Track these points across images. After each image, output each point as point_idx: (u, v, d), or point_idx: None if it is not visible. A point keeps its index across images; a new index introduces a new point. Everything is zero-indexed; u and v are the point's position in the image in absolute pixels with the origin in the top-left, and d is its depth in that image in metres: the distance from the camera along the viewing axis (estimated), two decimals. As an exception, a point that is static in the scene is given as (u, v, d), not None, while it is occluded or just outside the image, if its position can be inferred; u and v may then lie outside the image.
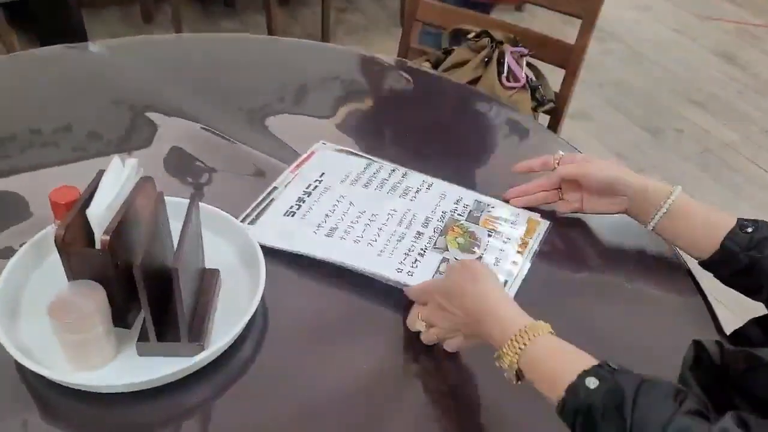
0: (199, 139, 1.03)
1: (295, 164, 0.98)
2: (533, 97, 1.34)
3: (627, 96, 2.88)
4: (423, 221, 0.90)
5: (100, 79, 1.14)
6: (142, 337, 0.69)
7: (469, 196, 0.95)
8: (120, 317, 0.71)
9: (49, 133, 1.02)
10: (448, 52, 1.39)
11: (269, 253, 0.82)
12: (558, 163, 0.92)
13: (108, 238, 0.65)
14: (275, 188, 0.94)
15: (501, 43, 1.33)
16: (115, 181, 0.68)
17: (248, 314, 0.72)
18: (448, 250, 0.86)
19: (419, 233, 0.88)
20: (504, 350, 0.64)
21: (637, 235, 0.91)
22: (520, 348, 0.63)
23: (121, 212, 0.67)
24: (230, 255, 0.82)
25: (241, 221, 0.86)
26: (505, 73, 1.29)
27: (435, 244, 0.87)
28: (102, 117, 1.06)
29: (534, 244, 0.89)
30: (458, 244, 0.88)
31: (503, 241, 0.89)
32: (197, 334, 0.70)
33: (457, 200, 0.94)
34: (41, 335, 0.69)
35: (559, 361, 0.62)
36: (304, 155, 1.00)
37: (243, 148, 1.01)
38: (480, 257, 0.86)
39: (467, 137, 1.13)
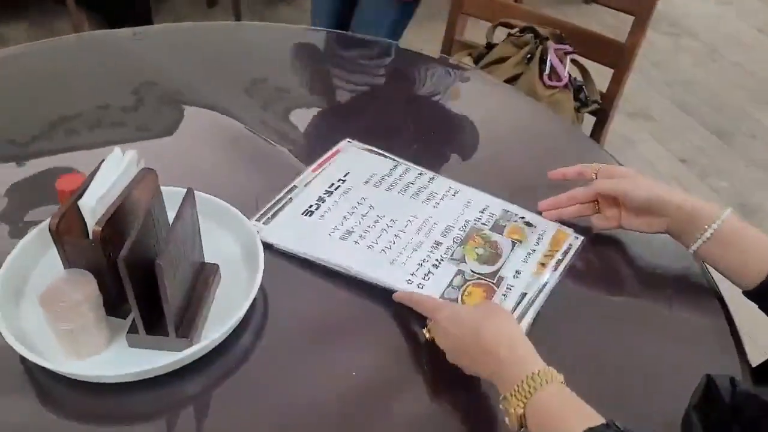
0: (222, 132, 1.02)
1: (317, 163, 0.96)
2: (576, 98, 1.28)
3: (696, 96, 2.73)
4: (443, 230, 0.87)
5: (130, 66, 1.16)
6: (132, 329, 0.69)
7: (497, 205, 0.91)
8: (114, 308, 0.71)
9: (77, 119, 1.04)
10: (491, 47, 1.35)
11: (276, 251, 0.81)
12: (596, 175, 0.86)
13: (100, 229, 0.65)
14: (294, 187, 0.91)
15: (545, 39, 1.28)
16: (113, 171, 0.68)
17: (240, 312, 0.71)
18: (465, 262, 0.82)
19: (437, 243, 0.85)
20: (510, 395, 0.60)
21: (680, 257, 0.85)
22: (527, 395, 0.59)
23: (116, 204, 0.67)
24: (234, 250, 0.81)
25: (257, 220, 0.85)
26: (547, 71, 1.24)
27: (452, 254, 0.83)
28: (130, 104, 1.07)
29: (563, 258, 0.84)
30: (477, 255, 0.83)
31: (527, 253, 0.84)
32: (187, 329, 0.70)
33: (483, 209, 0.90)
34: (40, 322, 0.69)
35: (566, 416, 0.58)
36: (328, 153, 0.98)
37: (265, 143, 1.00)
38: (499, 268, 0.82)
39: (499, 141, 1.08)
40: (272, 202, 0.88)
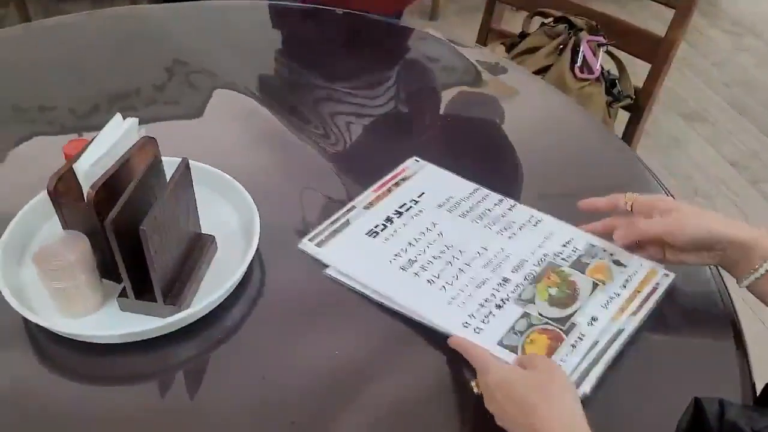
0: (263, 130, 1.01)
1: (381, 182, 0.90)
2: (608, 92, 1.24)
3: (756, 99, 2.61)
4: (515, 265, 0.78)
5: (160, 43, 1.18)
6: (123, 294, 0.71)
7: (582, 239, 0.81)
8: (111, 271, 0.73)
9: (103, 95, 1.07)
10: (524, 36, 1.32)
11: (276, 227, 0.81)
12: (631, 207, 0.76)
13: (93, 192, 0.66)
14: (353, 208, 0.86)
15: (580, 30, 1.24)
16: (111, 137, 0.69)
17: (229, 283, 0.72)
18: (533, 303, 0.73)
19: (505, 279, 0.76)
20: None
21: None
22: None
23: (112, 169, 0.69)
24: (234, 223, 0.82)
25: (309, 240, 0.81)
26: (578, 63, 1.20)
27: (521, 294, 0.74)
28: (160, 81, 1.10)
29: (647, 300, 0.74)
30: (549, 295, 0.74)
31: (609, 297, 0.74)
32: (175, 297, 0.71)
33: (566, 242, 0.81)
34: (39, 282, 0.72)
35: None
36: (393, 173, 0.91)
37: (313, 153, 0.96)
38: (573, 313, 0.72)
39: (523, 144, 1.03)
40: (327, 223, 0.83)
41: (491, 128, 1.06)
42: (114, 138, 0.69)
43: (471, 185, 0.90)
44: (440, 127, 1.07)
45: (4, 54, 1.16)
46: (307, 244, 0.81)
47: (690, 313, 0.77)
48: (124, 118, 0.72)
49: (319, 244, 0.81)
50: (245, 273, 0.77)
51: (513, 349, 0.69)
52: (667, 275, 0.77)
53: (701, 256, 0.73)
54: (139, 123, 0.72)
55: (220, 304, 0.74)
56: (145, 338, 0.70)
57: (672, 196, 0.92)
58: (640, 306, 0.74)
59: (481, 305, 0.73)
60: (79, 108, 1.05)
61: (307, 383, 0.69)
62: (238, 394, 0.68)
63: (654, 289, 0.76)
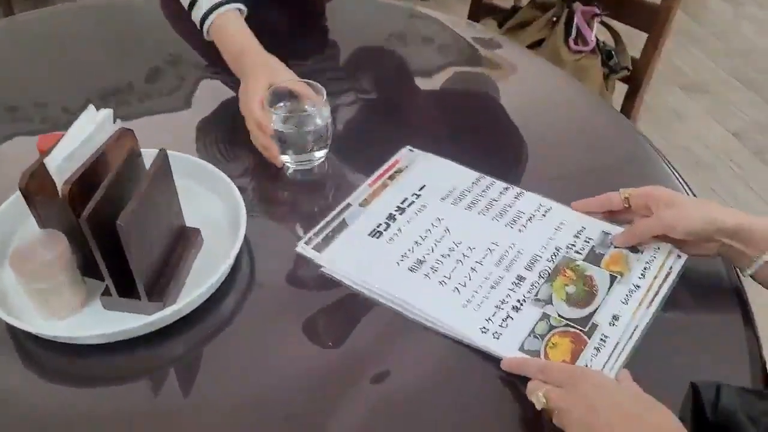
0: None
1: (376, 175, 0.85)
2: (605, 64, 1.20)
3: (758, 69, 2.57)
4: (529, 261, 0.74)
5: (146, 34, 1.15)
6: (107, 292, 0.69)
7: (595, 227, 0.77)
8: (92, 269, 0.70)
9: (91, 90, 1.04)
10: (516, 10, 1.28)
11: (266, 223, 0.79)
12: (628, 201, 0.75)
13: (68, 188, 0.64)
14: (348, 205, 0.82)
15: (573, 1, 1.20)
16: (84, 130, 0.66)
17: (214, 278, 0.69)
18: (551, 303, 0.70)
19: (520, 278, 0.72)
20: None
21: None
22: None
23: (87, 163, 0.66)
24: (221, 215, 0.80)
25: (305, 243, 0.77)
26: (573, 35, 1.16)
27: (537, 293, 0.71)
28: (150, 74, 1.06)
29: (660, 288, 0.71)
30: (566, 294, 0.70)
31: (629, 290, 0.71)
32: (160, 293, 0.69)
33: (579, 232, 0.77)
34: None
35: None
36: (387, 165, 0.87)
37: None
38: (593, 312, 0.69)
39: (513, 124, 0.99)
40: (322, 223, 0.79)
41: (486, 109, 1.03)
42: (87, 131, 0.66)
43: (473, 174, 0.86)
44: (432, 111, 1.03)
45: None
46: (305, 248, 0.76)
47: (699, 294, 0.74)
48: (97, 109, 0.69)
49: (317, 248, 0.76)
50: (235, 267, 0.74)
51: (535, 354, 0.66)
52: (679, 257, 0.74)
53: (703, 248, 0.72)
54: (128, 118, 0.69)
55: (209, 299, 0.71)
56: (130, 337, 0.68)
57: (674, 169, 0.89)
58: (656, 293, 0.71)
59: (498, 307, 0.70)
60: (71, 104, 1.01)
61: (300, 377, 0.67)
62: (228, 390, 0.66)
63: (668, 274, 0.72)
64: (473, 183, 0.85)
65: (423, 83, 1.07)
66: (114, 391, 0.67)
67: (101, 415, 0.64)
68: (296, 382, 0.67)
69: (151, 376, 0.68)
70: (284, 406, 0.65)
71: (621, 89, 1.34)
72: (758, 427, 0.52)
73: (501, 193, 0.83)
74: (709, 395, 0.55)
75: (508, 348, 0.66)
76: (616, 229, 0.77)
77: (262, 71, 0.89)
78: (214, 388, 0.66)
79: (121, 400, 0.66)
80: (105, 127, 0.69)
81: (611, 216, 0.78)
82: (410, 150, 0.90)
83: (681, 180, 0.88)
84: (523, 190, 0.83)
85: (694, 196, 0.84)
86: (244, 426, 0.63)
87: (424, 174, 0.86)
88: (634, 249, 0.75)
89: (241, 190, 0.79)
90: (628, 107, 1.32)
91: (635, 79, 1.29)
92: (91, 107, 0.69)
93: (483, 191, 0.83)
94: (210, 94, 1.03)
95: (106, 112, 0.69)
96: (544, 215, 0.80)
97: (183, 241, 0.74)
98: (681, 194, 0.73)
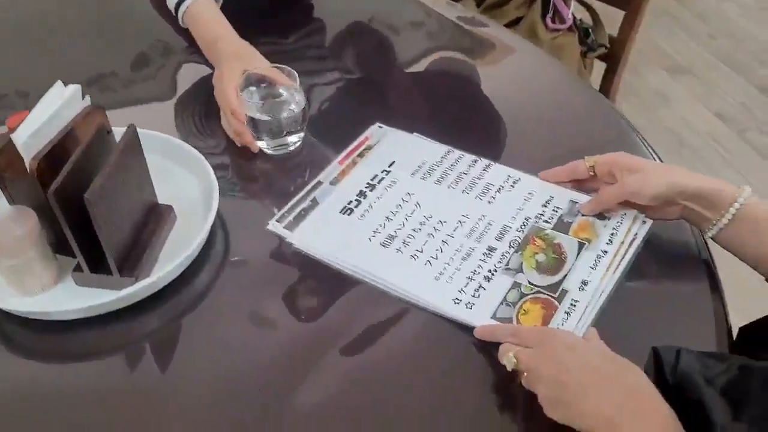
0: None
1: (345, 153, 0.86)
2: (582, 42, 1.21)
3: (743, 50, 2.58)
4: (499, 232, 0.75)
5: (131, 20, 1.14)
6: (78, 268, 0.69)
7: (563, 197, 0.78)
8: (65, 246, 0.70)
9: (77, 74, 1.03)
10: (493, -10, 1.28)
11: (239, 201, 0.79)
12: (593, 170, 0.76)
13: (36, 163, 0.64)
14: (319, 183, 0.82)
15: (550, -21, 1.20)
16: (51, 106, 0.66)
17: (185, 253, 0.70)
18: (522, 272, 0.71)
19: (491, 249, 0.74)
20: None
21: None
22: None
23: (55, 139, 0.66)
24: (194, 192, 0.80)
25: (277, 221, 0.77)
26: (550, 13, 1.17)
27: (508, 263, 0.72)
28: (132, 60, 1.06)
29: (626, 253, 0.72)
30: (536, 263, 0.72)
31: (597, 256, 0.72)
32: (131, 269, 0.69)
33: (547, 201, 0.78)
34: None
35: None
36: (356, 143, 0.88)
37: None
38: (562, 279, 0.70)
39: (489, 101, 0.99)
40: (293, 202, 0.79)
41: (465, 88, 1.03)
42: (55, 106, 0.66)
43: (442, 147, 0.87)
44: (412, 90, 1.03)
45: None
46: (275, 226, 0.77)
47: (665, 259, 0.75)
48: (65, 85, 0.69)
49: (288, 227, 0.77)
50: (209, 244, 0.75)
51: (507, 321, 0.67)
52: (644, 222, 0.75)
53: (666, 212, 0.73)
54: (113, 105, 0.69)
55: (183, 275, 0.72)
56: (103, 312, 0.68)
57: (652, 148, 0.90)
58: (622, 258, 0.72)
59: (470, 278, 0.71)
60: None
61: (273, 350, 0.68)
62: (202, 364, 0.66)
63: (633, 239, 0.74)
64: (442, 157, 0.85)
65: (403, 62, 1.07)
66: (88, 367, 0.67)
67: (75, 392, 0.65)
68: (269, 355, 0.67)
69: (126, 352, 0.68)
70: (258, 379, 0.65)
71: (599, 69, 1.35)
72: (714, 387, 0.53)
73: (470, 165, 0.84)
74: (670, 359, 0.55)
75: (481, 317, 0.67)
76: (583, 198, 0.78)
77: (236, 59, 0.89)
78: (189, 362, 0.67)
79: (95, 376, 0.66)
80: (73, 103, 0.68)
81: (578, 185, 0.80)
82: (379, 126, 0.91)
83: (657, 157, 0.89)
84: (492, 162, 0.84)
85: (661, 161, 0.85)
86: (218, 398, 0.64)
87: (394, 150, 0.87)
88: (600, 216, 0.76)
89: (217, 168, 0.79)
90: (607, 87, 1.33)
91: (613, 57, 1.29)
92: (59, 83, 0.69)
93: (452, 165, 0.84)
94: (192, 76, 1.02)
95: (74, 88, 0.69)
96: (512, 186, 0.81)
97: (155, 218, 0.74)
98: (645, 160, 0.74)
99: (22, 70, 1.05)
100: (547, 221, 0.77)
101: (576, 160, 0.78)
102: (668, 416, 0.52)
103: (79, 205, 0.63)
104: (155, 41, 1.09)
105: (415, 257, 0.73)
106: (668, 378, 0.55)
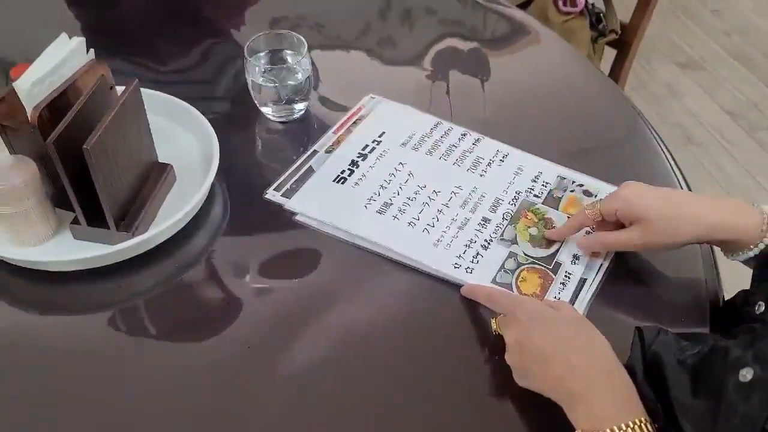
0: (220, 68, 0.97)
1: (339, 123, 0.86)
2: (593, 27, 1.20)
3: (757, 47, 2.55)
4: (492, 203, 0.76)
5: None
6: (75, 221, 0.69)
7: (551, 171, 0.80)
8: (64, 200, 0.70)
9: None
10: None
11: (239, 170, 0.79)
12: (600, 212, 0.69)
13: (38, 113, 0.64)
14: (315, 152, 0.82)
15: (564, -39, 1.19)
16: (55, 57, 0.66)
17: (182, 212, 0.70)
18: (516, 243, 0.72)
19: (485, 219, 0.75)
20: None
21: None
22: None
23: (58, 90, 0.66)
24: (195, 152, 0.80)
25: (275, 190, 0.77)
26: (562, -4, 1.16)
27: (502, 234, 0.73)
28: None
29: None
30: (530, 235, 0.73)
31: (587, 231, 0.72)
32: (129, 224, 0.69)
33: (536, 176, 0.79)
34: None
35: None
36: (350, 113, 0.88)
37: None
38: (556, 251, 0.71)
39: (500, 84, 0.98)
40: (289, 171, 0.79)
41: (471, 64, 1.02)
42: (58, 58, 0.66)
43: (432, 119, 0.87)
44: (417, 61, 1.03)
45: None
46: (274, 195, 0.77)
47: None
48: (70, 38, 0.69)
49: (286, 194, 0.77)
50: (206, 206, 0.75)
51: (507, 287, 0.68)
52: None
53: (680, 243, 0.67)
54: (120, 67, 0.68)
55: (180, 236, 0.72)
56: (99, 265, 0.68)
57: (663, 142, 0.88)
58: None
59: (467, 246, 0.72)
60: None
61: (266, 312, 0.68)
62: (194, 323, 0.67)
63: None
64: (432, 129, 0.86)
65: (409, 36, 1.07)
66: (80, 320, 0.68)
67: (67, 343, 0.65)
68: (261, 316, 0.67)
69: (118, 308, 0.68)
70: (251, 338, 0.65)
71: (609, 57, 1.34)
72: (685, 366, 0.53)
73: (459, 138, 0.85)
74: (650, 338, 0.56)
75: (481, 281, 0.69)
76: (572, 174, 0.80)
77: None
78: (181, 321, 0.67)
79: (86, 328, 0.67)
80: (77, 56, 0.68)
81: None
82: (372, 97, 0.91)
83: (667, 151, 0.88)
84: (481, 136, 0.85)
85: (678, 168, 0.83)
86: (208, 357, 0.64)
87: (384, 120, 0.87)
88: (587, 192, 0.77)
89: (219, 131, 0.79)
90: (616, 74, 1.32)
91: (624, 43, 1.28)
92: (64, 35, 0.68)
93: (442, 137, 0.85)
94: (201, 40, 1.02)
95: (79, 40, 0.68)
96: (502, 161, 0.82)
97: (155, 176, 0.74)
98: (648, 202, 0.65)
99: (29, 28, 1.05)
100: (537, 196, 0.78)
101: (579, 215, 0.72)
102: (627, 389, 0.53)
103: (79, 157, 0.63)
104: (167, 4, 1.09)
105: (413, 224, 0.74)
106: (646, 356, 0.55)
